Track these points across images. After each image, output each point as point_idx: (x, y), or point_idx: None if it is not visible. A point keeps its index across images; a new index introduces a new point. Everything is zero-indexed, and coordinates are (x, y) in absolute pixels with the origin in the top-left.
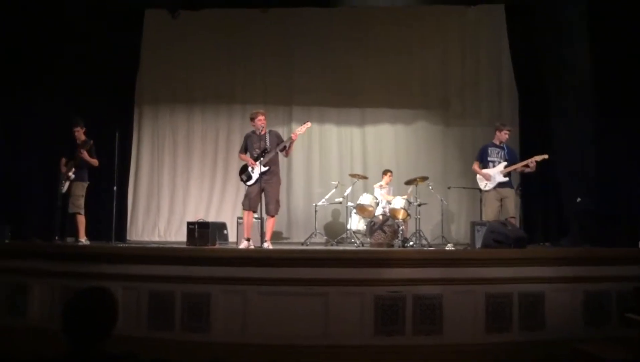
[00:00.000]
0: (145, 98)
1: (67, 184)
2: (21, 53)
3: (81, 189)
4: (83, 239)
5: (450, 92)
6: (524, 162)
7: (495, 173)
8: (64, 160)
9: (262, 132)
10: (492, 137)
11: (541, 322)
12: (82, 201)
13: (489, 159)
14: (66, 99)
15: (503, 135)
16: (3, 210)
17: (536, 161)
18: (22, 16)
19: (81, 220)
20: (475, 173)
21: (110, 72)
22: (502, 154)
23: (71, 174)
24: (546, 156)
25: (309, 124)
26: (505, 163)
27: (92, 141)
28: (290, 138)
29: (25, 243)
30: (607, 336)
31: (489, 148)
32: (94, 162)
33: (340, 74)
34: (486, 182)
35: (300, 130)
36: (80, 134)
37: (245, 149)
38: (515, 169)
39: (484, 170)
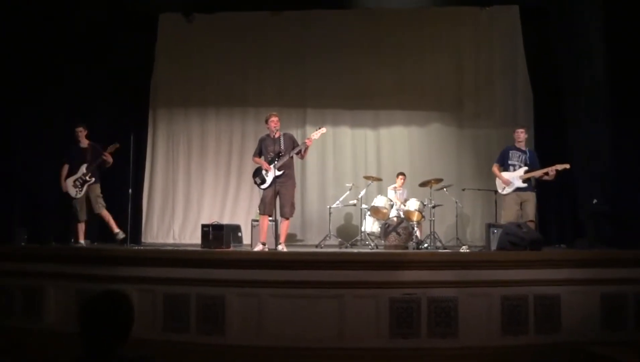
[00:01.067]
0: (159, 101)
1: (85, 188)
2: (38, 60)
3: (99, 188)
4: (119, 231)
5: (464, 94)
6: (544, 170)
7: (514, 178)
8: (65, 167)
9: (277, 135)
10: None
11: (557, 325)
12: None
13: (509, 162)
14: (82, 103)
15: (518, 135)
16: (21, 214)
17: (557, 170)
18: (38, 22)
19: (108, 214)
20: (494, 175)
21: (125, 75)
22: (524, 158)
23: (89, 178)
24: (567, 166)
25: (323, 130)
26: (525, 168)
27: (118, 144)
28: (304, 143)
29: (41, 246)
30: (624, 339)
31: (510, 151)
32: (111, 160)
33: (354, 76)
34: (504, 185)
35: (314, 135)
36: (83, 135)
37: (259, 153)
38: (534, 176)
39: (504, 175)
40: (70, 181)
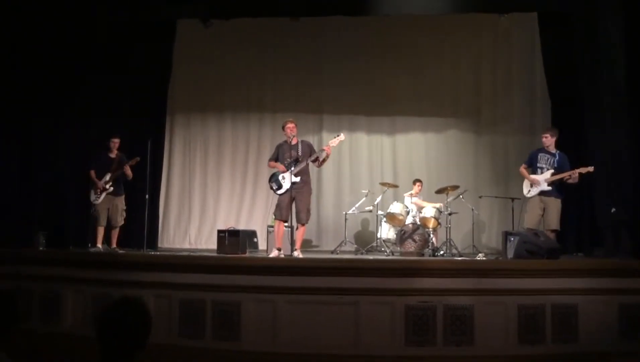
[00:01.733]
0: (177, 107)
1: (103, 196)
2: (59, 65)
3: (123, 202)
4: (116, 248)
5: (482, 100)
6: (567, 173)
7: (541, 180)
8: (93, 172)
9: (294, 142)
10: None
11: (574, 335)
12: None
13: (537, 165)
14: (101, 108)
15: (543, 140)
16: (40, 218)
17: (580, 173)
18: (61, 29)
19: (118, 231)
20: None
21: (143, 81)
22: (552, 161)
23: (109, 187)
24: (591, 169)
25: (342, 137)
26: (552, 171)
27: (138, 158)
28: (323, 150)
29: (59, 251)
30: None
31: (539, 154)
32: (130, 175)
33: (371, 83)
34: (529, 188)
35: (333, 142)
36: (115, 146)
37: (276, 158)
38: (559, 179)
39: (533, 176)
40: (96, 187)
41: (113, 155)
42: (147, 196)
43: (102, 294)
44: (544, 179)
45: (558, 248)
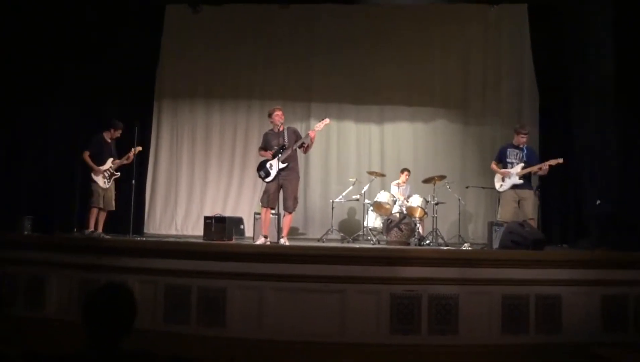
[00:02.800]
0: (164, 93)
1: (112, 180)
2: (45, 50)
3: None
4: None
5: (471, 91)
6: (537, 166)
7: (512, 173)
8: (88, 154)
9: (280, 129)
10: (512, 138)
11: (558, 325)
12: None
13: (507, 160)
14: (86, 94)
15: (520, 139)
16: (26, 203)
17: (550, 165)
18: (47, 13)
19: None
20: (494, 172)
21: (130, 66)
22: (521, 155)
23: (115, 172)
24: (560, 160)
25: (327, 121)
26: (522, 165)
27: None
28: (307, 135)
29: (44, 235)
30: (624, 341)
31: (508, 149)
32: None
33: (360, 71)
34: (501, 183)
35: (318, 126)
36: (118, 134)
37: (264, 147)
38: (530, 172)
39: (504, 169)
40: (99, 170)
41: (109, 139)
42: (133, 182)
43: (87, 280)
44: (515, 172)
45: (543, 239)
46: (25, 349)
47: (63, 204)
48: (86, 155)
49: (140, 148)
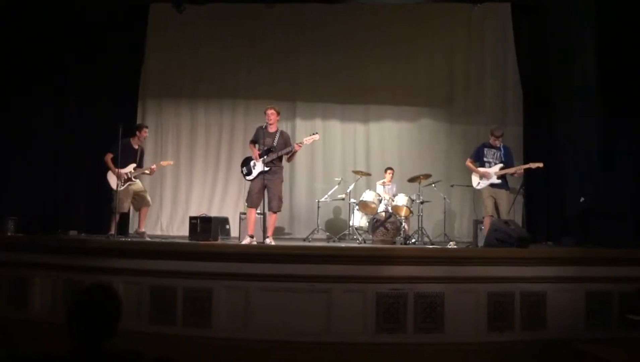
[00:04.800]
0: (149, 92)
1: (126, 185)
2: (28, 49)
3: (141, 184)
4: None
5: (455, 90)
6: (514, 169)
7: (491, 173)
8: (110, 157)
9: (272, 129)
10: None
11: (543, 322)
12: None
13: (484, 159)
14: (71, 92)
15: (493, 141)
16: (10, 204)
17: (530, 168)
18: (30, 12)
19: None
20: (470, 170)
21: (114, 66)
22: (498, 155)
23: (133, 179)
24: (540, 165)
25: (316, 137)
26: (501, 165)
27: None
28: (293, 147)
29: (28, 236)
30: (609, 337)
31: (485, 148)
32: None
33: (345, 71)
34: (479, 180)
35: (307, 140)
36: (144, 137)
37: (255, 141)
38: (508, 173)
39: (483, 169)
40: (115, 172)
41: (136, 145)
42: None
43: (71, 281)
44: (493, 172)
45: (528, 237)
46: (9, 350)
47: (47, 206)
48: (107, 157)
49: (171, 162)
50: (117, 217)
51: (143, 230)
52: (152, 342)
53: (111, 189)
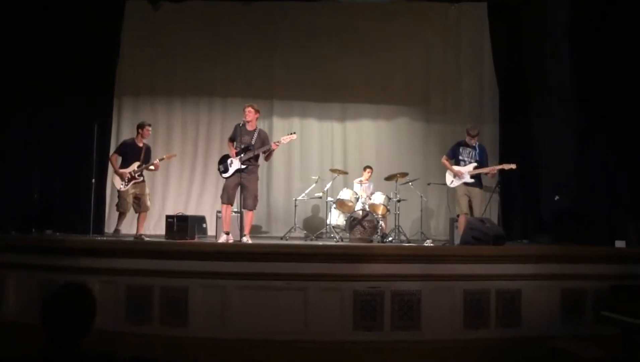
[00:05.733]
0: (125, 90)
1: (130, 184)
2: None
3: (147, 188)
4: (141, 234)
5: (432, 89)
6: (488, 169)
7: (465, 172)
8: (115, 157)
9: (250, 128)
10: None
11: (518, 319)
12: None
13: (460, 157)
14: (45, 90)
15: (469, 140)
16: None
17: (503, 169)
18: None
19: (145, 217)
20: (444, 167)
21: (89, 63)
22: (473, 154)
23: (137, 176)
24: (513, 166)
25: (294, 136)
26: (475, 164)
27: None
28: (269, 147)
29: (2, 236)
30: (583, 334)
31: (461, 147)
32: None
33: (322, 69)
34: (452, 178)
35: (283, 139)
36: (147, 135)
37: (233, 138)
38: (482, 172)
39: (457, 167)
40: (118, 172)
41: (141, 143)
42: (93, 181)
43: (46, 281)
44: (467, 171)
45: (503, 235)
46: None
47: (21, 204)
48: (111, 157)
49: (174, 154)
50: (123, 216)
51: (139, 233)
52: (128, 342)
53: (115, 188)
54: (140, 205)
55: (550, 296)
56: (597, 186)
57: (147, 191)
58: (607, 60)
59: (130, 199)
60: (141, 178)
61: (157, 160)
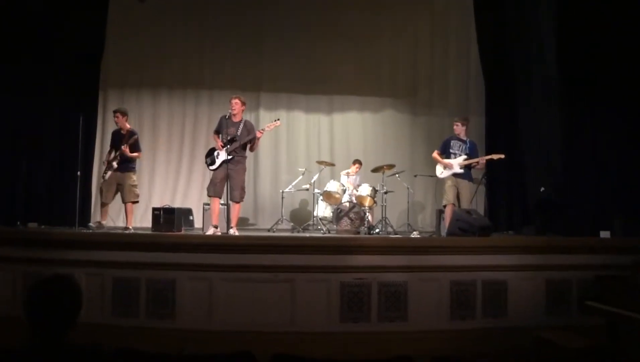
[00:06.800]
0: (110, 82)
1: (109, 173)
2: None
3: (135, 178)
4: (131, 227)
5: (419, 81)
6: (477, 159)
7: (454, 163)
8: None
9: (236, 119)
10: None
11: (504, 310)
12: (137, 189)
13: (450, 151)
14: (29, 82)
15: (456, 129)
16: None
17: (492, 159)
18: None
19: (132, 208)
20: (435, 161)
21: (74, 55)
22: (464, 147)
23: (115, 164)
24: (502, 156)
25: (278, 123)
26: (465, 156)
27: (137, 135)
28: (254, 133)
29: None
30: (568, 324)
31: (452, 141)
32: (135, 156)
33: (309, 61)
34: (442, 170)
35: (268, 127)
36: (121, 122)
37: (218, 131)
38: (472, 163)
39: (446, 160)
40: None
41: (124, 131)
42: (78, 173)
43: (31, 273)
44: (457, 163)
45: (489, 226)
46: None
47: (5, 197)
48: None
49: (136, 136)
50: (105, 208)
51: (127, 226)
52: (115, 334)
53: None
54: (123, 195)
55: (535, 287)
56: (582, 178)
57: (133, 181)
58: (593, 52)
59: (108, 189)
60: (116, 166)
61: (125, 145)
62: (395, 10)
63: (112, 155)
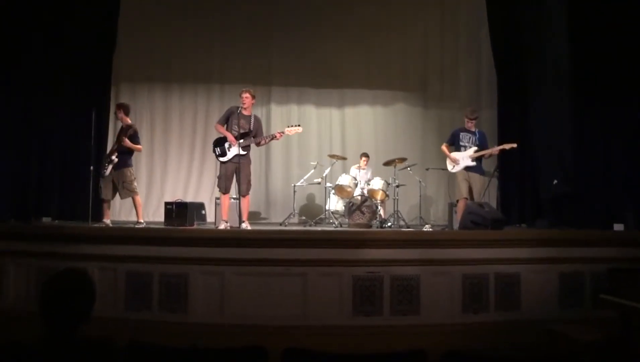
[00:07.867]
0: (122, 77)
1: (109, 168)
2: None
3: (130, 174)
4: (142, 221)
5: (430, 74)
6: (488, 151)
7: (463, 157)
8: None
9: (246, 113)
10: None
11: (517, 303)
12: (135, 184)
13: (460, 143)
14: (42, 78)
15: (468, 123)
16: None
17: (504, 149)
18: None
19: (139, 201)
20: (444, 154)
21: (86, 50)
22: (474, 139)
23: (114, 158)
24: (514, 145)
25: (299, 129)
26: (475, 148)
27: (134, 128)
28: (273, 135)
29: (1, 224)
30: (581, 317)
31: (461, 133)
32: (137, 148)
33: (320, 55)
34: (453, 163)
35: (289, 131)
36: (122, 117)
37: (224, 122)
38: (482, 155)
39: (452, 154)
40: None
41: (124, 125)
42: (91, 168)
43: (46, 268)
44: (467, 155)
45: (502, 219)
46: None
47: (19, 192)
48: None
49: (134, 128)
50: (105, 204)
51: (139, 220)
52: (128, 328)
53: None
54: (119, 193)
55: (548, 280)
56: (595, 170)
57: (128, 177)
58: (606, 44)
59: (106, 185)
60: (116, 160)
61: (124, 137)
62: (405, 3)
63: (109, 150)
